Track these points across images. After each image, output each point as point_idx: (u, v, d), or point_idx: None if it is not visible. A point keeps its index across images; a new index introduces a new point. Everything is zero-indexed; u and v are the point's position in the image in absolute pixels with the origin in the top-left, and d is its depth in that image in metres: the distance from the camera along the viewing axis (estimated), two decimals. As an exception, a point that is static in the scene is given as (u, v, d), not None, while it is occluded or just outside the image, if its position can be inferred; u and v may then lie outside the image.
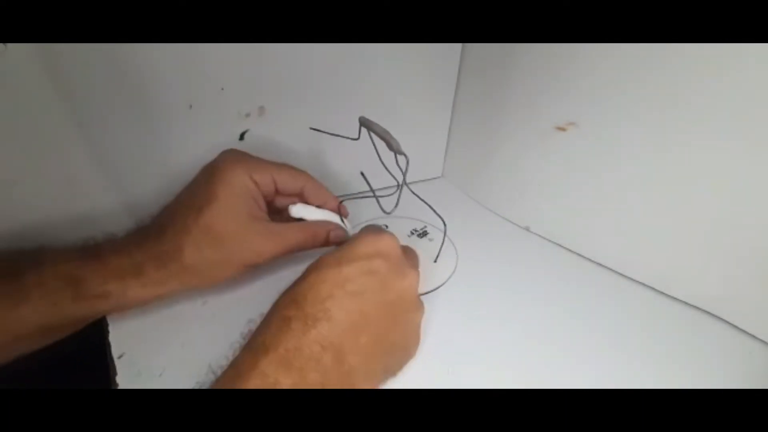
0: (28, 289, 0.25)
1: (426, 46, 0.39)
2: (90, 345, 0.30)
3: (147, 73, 0.30)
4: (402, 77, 0.41)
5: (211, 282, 0.29)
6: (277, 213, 0.33)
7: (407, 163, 0.28)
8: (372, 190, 0.32)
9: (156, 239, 0.28)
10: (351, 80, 0.38)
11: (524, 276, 0.37)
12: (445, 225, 0.35)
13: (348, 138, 0.31)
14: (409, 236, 0.40)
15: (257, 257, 0.29)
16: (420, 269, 0.28)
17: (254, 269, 0.31)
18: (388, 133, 0.29)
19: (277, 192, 0.32)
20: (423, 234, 0.40)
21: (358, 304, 0.23)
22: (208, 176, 0.29)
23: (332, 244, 0.33)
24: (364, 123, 0.30)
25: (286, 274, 0.31)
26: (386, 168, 0.32)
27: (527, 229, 0.42)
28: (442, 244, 0.37)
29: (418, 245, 0.37)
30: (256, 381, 0.20)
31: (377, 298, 0.23)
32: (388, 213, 0.31)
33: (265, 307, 0.24)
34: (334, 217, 0.34)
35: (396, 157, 0.29)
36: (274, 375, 0.20)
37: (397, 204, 0.30)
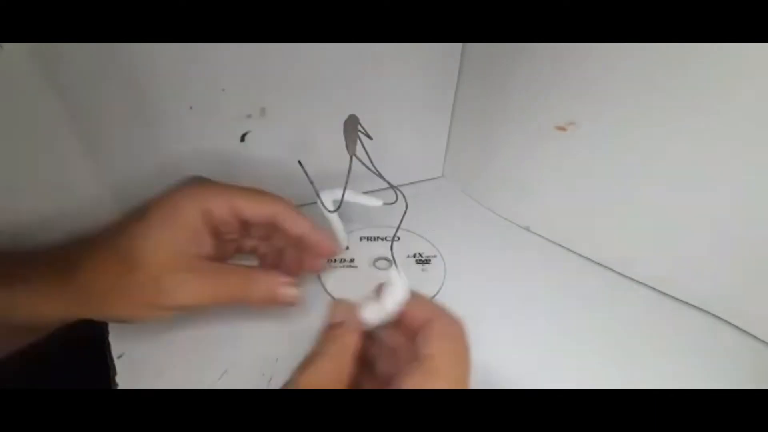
0: None
1: (426, 46, 0.39)
2: (90, 345, 0.30)
3: (147, 74, 0.30)
4: (402, 77, 0.41)
5: (122, 314, 0.25)
6: (249, 253, 0.30)
7: (350, 163, 0.28)
8: (312, 183, 0.30)
9: (64, 248, 0.25)
10: (351, 80, 0.38)
11: (524, 276, 0.37)
12: (406, 204, 0.32)
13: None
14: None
15: (176, 299, 0.25)
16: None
17: (187, 313, 0.27)
18: (353, 133, 0.29)
19: (245, 222, 0.28)
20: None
21: None
22: (153, 201, 0.26)
23: (281, 303, 0.27)
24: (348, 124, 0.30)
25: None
26: (373, 170, 0.31)
27: (527, 229, 0.42)
28: (401, 221, 0.33)
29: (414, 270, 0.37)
30: None
31: None
32: (332, 211, 0.30)
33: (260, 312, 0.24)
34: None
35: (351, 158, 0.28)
36: None
37: (339, 205, 0.30)
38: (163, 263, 0.24)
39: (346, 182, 0.29)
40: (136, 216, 0.25)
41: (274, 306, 0.27)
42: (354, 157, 0.28)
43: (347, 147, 0.28)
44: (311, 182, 0.30)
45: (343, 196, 0.30)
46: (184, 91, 0.32)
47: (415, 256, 0.38)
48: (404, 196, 0.31)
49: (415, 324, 0.22)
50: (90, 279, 0.24)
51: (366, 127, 0.30)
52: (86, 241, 0.26)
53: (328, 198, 0.32)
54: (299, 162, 0.30)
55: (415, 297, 0.23)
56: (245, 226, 0.29)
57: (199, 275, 0.25)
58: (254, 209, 0.27)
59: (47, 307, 0.25)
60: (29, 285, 0.24)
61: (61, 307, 0.25)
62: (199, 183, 0.27)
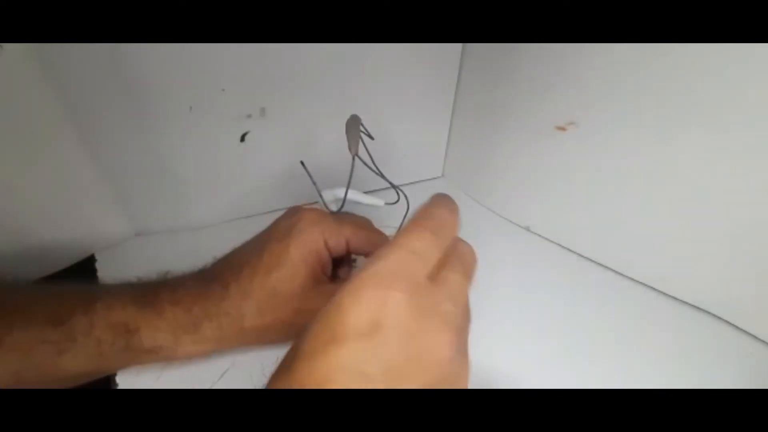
0: (75, 336, 0.23)
1: (426, 46, 0.39)
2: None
3: (146, 74, 0.30)
4: (402, 77, 0.41)
5: (265, 343, 0.28)
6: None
7: (353, 163, 0.28)
8: (315, 184, 0.30)
9: (218, 297, 0.26)
10: (352, 80, 0.38)
11: (524, 276, 0.37)
12: (408, 203, 0.32)
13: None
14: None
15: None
16: None
17: None
18: (356, 133, 0.29)
19: (347, 252, 0.30)
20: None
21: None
22: (283, 235, 0.27)
23: None
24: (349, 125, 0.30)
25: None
26: (375, 170, 0.31)
27: (527, 229, 0.42)
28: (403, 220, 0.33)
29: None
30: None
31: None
32: (334, 212, 0.30)
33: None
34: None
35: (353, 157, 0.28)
36: None
37: (342, 205, 0.30)
38: (308, 294, 0.26)
39: (349, 182, 0.29)
40: (275, 257, 0.27)
41: None
42: (356, 157, 0.28)
43: (349, 147, 0.28)
44: (314, 183, 0.30)
45: (345, 195, 0.30)
46: (184, 91, 0.32)
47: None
48: (406, 196, 0.31)
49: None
50: (255, 324, 0.26)
51: (366, 127, 0.30)
52: (229, 283, 0.27)
53: (330, 198, 0.32)
54: (302, 163, 0.30)
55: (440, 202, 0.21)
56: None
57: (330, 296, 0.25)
58: (361, 246, 0.29)
59: (208, 346, 0.26)
60: (195, 335, 0.25)
61: (231, 344, 0.27)
62: (320, 217, 0.28)
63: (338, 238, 0.28)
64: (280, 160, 0.38)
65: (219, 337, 0.26)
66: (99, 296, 0.25)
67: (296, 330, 0.24)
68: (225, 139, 0.36)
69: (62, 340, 0.23)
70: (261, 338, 0.27)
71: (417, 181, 0.49)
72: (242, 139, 0.36)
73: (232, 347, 0.27)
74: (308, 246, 0.27)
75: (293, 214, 0.28)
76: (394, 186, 0.31)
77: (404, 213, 0.32)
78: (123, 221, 0.37)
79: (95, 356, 0.24)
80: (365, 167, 0.32)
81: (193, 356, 0.26)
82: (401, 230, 0.19)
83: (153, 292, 0.26)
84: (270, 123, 0.37)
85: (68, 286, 0.26)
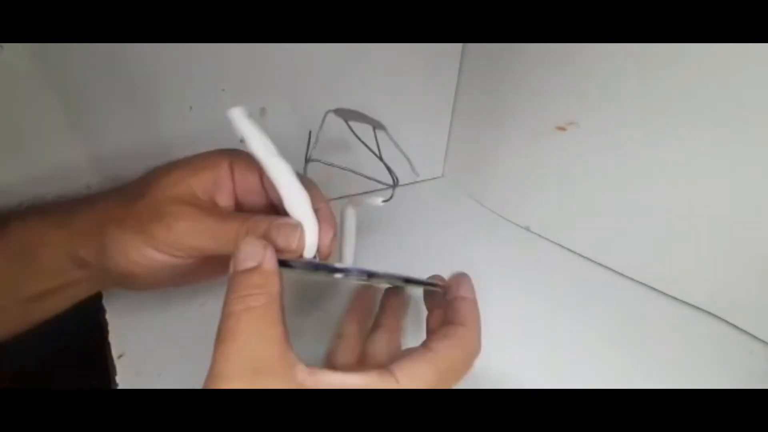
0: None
1: (426, 46, 0.39)
2: (90, 345, 0.30)
3: (146, 74, 0.30)
4: (402, 77, 0.41)
5: (119, 248, 0.23)
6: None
7: (382, 134, 0.26)
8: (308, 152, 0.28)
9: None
10: (352, 80, 0.38)
11: (524, 276, 0.37)
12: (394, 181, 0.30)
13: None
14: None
15: (173, 229, 0.23)
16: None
17: (182, 259, 0.24)
18: (361, 114, 0.27)
19: (274, 208, 0.27)
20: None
21: None
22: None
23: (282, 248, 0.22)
24: (340, 115, 0.28)
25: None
26: (384, 164, 0.30)
27: (527, 229, 0.42)
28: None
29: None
30: None
31: None
32: (386, 200, 0.28)
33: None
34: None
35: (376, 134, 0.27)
36: None
37: (391, 196, 0.28)
38: (173, 195, 0.24)
39: (313, 139, 0.27)
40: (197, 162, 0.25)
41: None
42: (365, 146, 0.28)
43: (367, 123, 0.27)
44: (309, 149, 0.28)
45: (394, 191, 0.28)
46: (184, 91, 0.32)
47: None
48: (396, 178, 0.29)
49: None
50: (103, 208, 0.24)
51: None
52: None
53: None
54: (310, 132, 0.28)
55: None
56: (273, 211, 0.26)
57: (200, 210, 0.24)
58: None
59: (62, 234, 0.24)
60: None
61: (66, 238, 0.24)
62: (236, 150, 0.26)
63: (252, 171, 0.26)
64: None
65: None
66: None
67: (148, 242, 0.23)
68: (225, 140, 0.36)
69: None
70: (108, 233, 0.24)
71: (417, 181, 0.49)
72: (242, 139, 0.36)
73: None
74: (202, 157, 0.25)
75: None
76: (383, 161, 0.29)
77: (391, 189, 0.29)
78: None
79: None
80: (372, 167, 0.31)
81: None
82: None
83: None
84: (270, 123, 0.37)
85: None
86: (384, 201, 0.29)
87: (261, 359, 0.18)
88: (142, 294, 0.30)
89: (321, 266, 0.23)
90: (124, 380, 0.27)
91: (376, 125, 0.27)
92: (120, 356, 0.28)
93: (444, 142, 0.48)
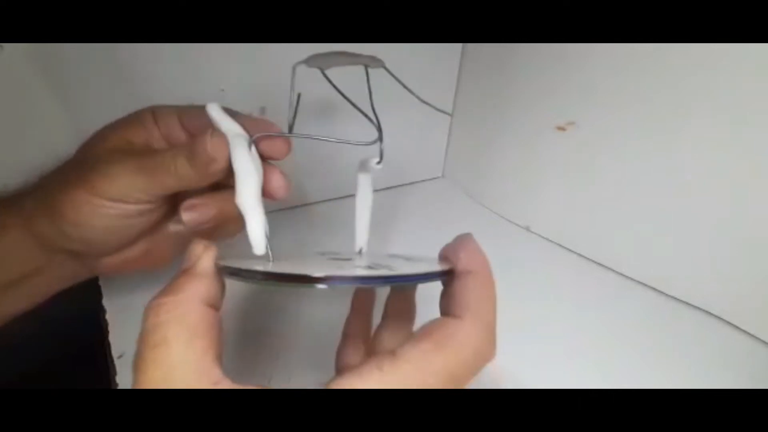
0: None
1: (426, 46, 0.39)
2: (90, 345, 0.30)
3: (147, 74, 0.30)
4: (402, 77, 0.40)
5: (67, 210, 0.23)
6: None
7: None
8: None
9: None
10: (351, 80, 0.38)
11: (524, 276, 0.37)
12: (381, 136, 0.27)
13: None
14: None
15: (109, 177, 0.23)
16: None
17: (126, 204, 0.24)
18: (345, 54, 0.26)
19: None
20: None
21: None
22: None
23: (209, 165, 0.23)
24: (315, 65, 0.25)
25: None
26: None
27: (527, 229, 0.42)
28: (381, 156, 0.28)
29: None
30: None
31: None
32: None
33: (259, 308, 0.24)
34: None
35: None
36: None
37: (381, 157, 0.26)
38: (109, 147, 0.25)
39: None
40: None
41: (205, 173, 0.24)
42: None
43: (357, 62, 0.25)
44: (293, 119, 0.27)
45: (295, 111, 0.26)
46: (184, 91, 0.32)
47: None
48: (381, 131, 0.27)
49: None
50: (50, 181, 0.25)
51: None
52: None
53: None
54: (299, 94, 0.27)
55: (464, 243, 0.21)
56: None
57: (133, 153, 0.25)
58: (198, 120, 0.26)
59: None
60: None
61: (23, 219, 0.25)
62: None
63: (170, 112, 0.27)
64: (279, 160, 0.38)
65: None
66: None
67: (92, 196, 0.23)
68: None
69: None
70: (55, 198, 0.24)
71: (417, 181, 0.49)
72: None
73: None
74: (131, 116, 0.26)
75: None
76: (373, 109, 0.27)
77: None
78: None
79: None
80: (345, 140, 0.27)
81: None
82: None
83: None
84: (270, 123, 0.37)
85: None
86: (377, 163, 0.27)
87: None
88: (143, 294, 0.30)
89: (284, 276, 0.17)
90: (124, 380, 0.27)
91: (370, 63, 0.24)
92: (120, 356, 0.28)
93: (444, 142, 0.48)
